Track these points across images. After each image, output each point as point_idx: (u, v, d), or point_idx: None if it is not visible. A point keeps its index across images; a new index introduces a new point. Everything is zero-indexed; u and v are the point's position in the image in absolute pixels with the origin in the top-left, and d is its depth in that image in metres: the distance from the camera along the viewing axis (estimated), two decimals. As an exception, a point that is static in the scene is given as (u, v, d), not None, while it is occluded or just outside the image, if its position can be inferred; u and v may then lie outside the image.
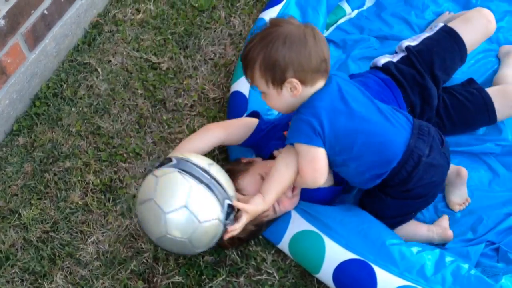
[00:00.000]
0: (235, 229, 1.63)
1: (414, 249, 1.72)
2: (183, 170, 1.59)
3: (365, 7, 2.60)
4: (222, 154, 2.13)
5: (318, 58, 1.59)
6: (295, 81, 1.59)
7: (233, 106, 2.14)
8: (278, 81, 1.60)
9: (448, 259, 1.70)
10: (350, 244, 1.74)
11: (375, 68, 2.11)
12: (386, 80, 2.01)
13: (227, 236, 1.63)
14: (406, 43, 2.12)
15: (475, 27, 2.12)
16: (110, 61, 2.42)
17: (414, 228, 1.90)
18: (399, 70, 2.03)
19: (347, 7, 2.57)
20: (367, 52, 2.40)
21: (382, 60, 2.10)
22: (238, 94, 2.15)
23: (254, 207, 1.65)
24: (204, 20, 2.56)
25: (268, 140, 1.91)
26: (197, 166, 1.61)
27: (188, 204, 1.55)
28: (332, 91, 1.64)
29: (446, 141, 1.78)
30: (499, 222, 1.88)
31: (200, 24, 2.54)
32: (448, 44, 2.09)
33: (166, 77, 2.36)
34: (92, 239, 1.94)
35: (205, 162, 1.65)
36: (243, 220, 1.64)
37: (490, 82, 2.23)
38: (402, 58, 2.08)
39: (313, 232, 1.79)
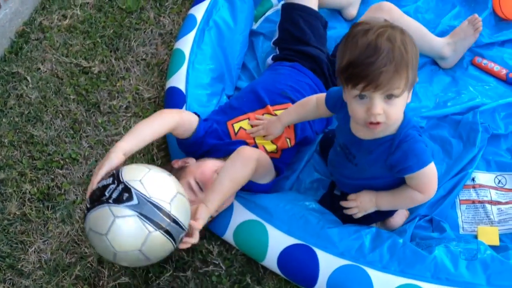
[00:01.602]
0: (191, 243, 1.61)
1: (352, 229, 1.77)
2: (143, 215, 1.48)
3: (291, -2, 2.65)
4: (161, 152, 2.13)
5: None
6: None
7: (171, 101, 2.14)
8: (413, 82, 1.45)
9: (384, 235, 1.76)
10: (292, 229, 1.78)
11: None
12: (282, 63, 2.20)
13: (183, 247, 1.61)
14: (273, 40, 2.33)
15: None
16: (39, 68, 2.39)
17: None
18: (286, 54, 2.22)
19: (273, -1, 2.62)
20: (296, 42, 2.45)
21: (270, 57, 2.29)
22: (174, 89, 2.16)
23: (202, 221, 1.62)
24: (133, 21, 2.55)
25: (207, 138, 1.93)
26: (159, 208, 1.50)
27: (142, 249, 1.50)
28: None
29: None
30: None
31: (129, 26, 2.54)
32: (294, 17, 2.25)
33: (98, 81, 2.34)
34: (33, 249, 1.91)
35: (168, 199, 1.52)
36: (196, 236, 1.61)
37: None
38: (279, 49, 2.29)
39: (256, 221, 1.82)
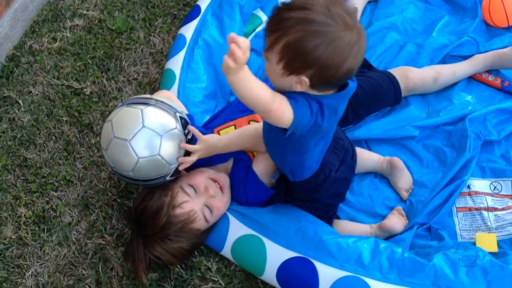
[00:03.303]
0: (194, 149, 1.77)
1: (350, 240, 1.77)
2: (129, 103, 1.78)
3: (280, 14, 2.67)
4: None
5: (345, 73, 1.42)
6: (305, 81, 1.41)
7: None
8: (291, 69, 1.41)
9: (382, 245, 1.76)
10: (289, 243, 1.78)
11: None
12: None
13: (183, 165, 1.77)
14: None
15: None
16: (31, 91, 2.39)
17: (358, 229, 1.94)
18: None
19: (262, 15, 2.63)
20: (286, 57, 2.46)
21: None
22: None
23: (202, 136, 1.77)
24: (123, 41, 2.56)
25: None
26: (140, 97, 1.82)
27: (145, 123, 1.70)
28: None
29: (356, 154, 1.91)
30: (427, 204, 1.95)
31: (119, 46, 2.54)
32: None
33: (91, 101, 2.34)
34: (30, 272, 1.89)
35: (146, 95, 1.90)
36: (197, 146, 1.78)
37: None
38: None
39: (253, 235, 1.82)
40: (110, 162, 1.78)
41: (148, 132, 1.70)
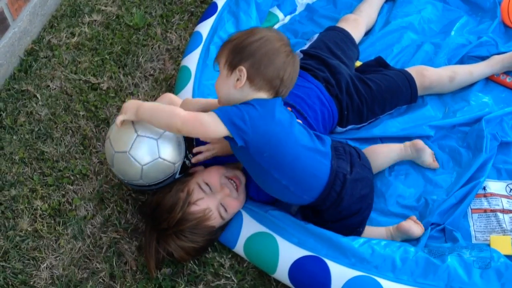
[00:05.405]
0: (207, 149, 1.90)
1: (362, 240, 1.77)
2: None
3: (297, 12, 2.68)
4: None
5: (276, 72, 1.65)
6: (244, 72, 1.64)
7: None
8: (233, 64, 1.65)
9: (395, 244, 1.75)
10: (302, 241, 1.78)
11: None
12: None
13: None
14: (299, 50, 2.31)
15: (358, 25, 2.43)
16: (49, 86, 2.41)
17: (373, 232, 1.90)
18: (303, 62, 2.18)
19: (279, 13, 2.64)
20: (303, 55, 2.46)
21: None
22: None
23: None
24: (140, 37, 2.58)
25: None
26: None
27: (138, 132, 1.75)
28: (276, 104, 1.69)
29: (363, 154, 1.93)
30: (441, 204, 1.94)
31: (137, 42, 2.56)
32: (339, 36, 2.33)
33: (107, 97, 2.36)
34: (45, 265, 1.91)
35: None
36: (210, 146, 1.90)
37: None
38: (301, 59, 2.22)
39: (266, 233, 1.83)
40: (120, 176, 1.85)
41: (143, 139, 1.75)
